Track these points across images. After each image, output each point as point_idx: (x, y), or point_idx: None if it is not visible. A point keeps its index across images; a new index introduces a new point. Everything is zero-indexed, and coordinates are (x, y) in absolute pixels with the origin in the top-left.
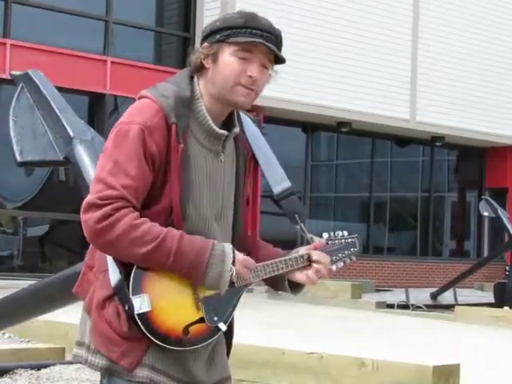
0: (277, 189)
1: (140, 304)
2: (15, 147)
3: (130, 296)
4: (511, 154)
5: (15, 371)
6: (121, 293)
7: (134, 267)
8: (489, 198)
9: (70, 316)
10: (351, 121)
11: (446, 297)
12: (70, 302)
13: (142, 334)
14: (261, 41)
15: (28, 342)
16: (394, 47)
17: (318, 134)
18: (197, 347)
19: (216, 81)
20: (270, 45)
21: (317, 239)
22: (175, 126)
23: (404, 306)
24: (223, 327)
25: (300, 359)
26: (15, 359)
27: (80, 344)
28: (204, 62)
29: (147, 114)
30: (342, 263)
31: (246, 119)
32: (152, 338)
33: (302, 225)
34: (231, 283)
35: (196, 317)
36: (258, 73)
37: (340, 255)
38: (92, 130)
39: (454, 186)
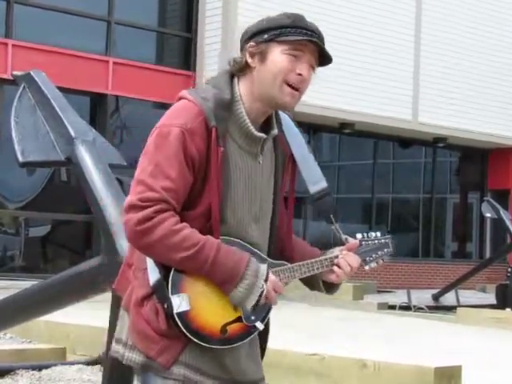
0: (313, 189)
1: (179, 303)
2: (17, 147)
3: (169, 295)
4: None
5: (16, 372)
6: (159, 292)
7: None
8: (491, 200)
9: (71, 317)
10: (354, 122)
11: (448, 298)
12: (71, 303)
13: (181, 332)
14: (312, 39)
15: (29, 342)
16: (397, 48)
17: (321, 135)
18: (234, 346)
19: (263, 79)
20: (319, 43)
21: (351, 240)
22: (215, 129)
23: (406, 308)
24: (260, 326)
25: (301, 360)
26: (17, 360)
27: (118, 340)
28: (249, 62)
29: (187, 116)
30: (374, 263)
31: (285, 119)
32: (190, 337)
33: (336, 225)
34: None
35: (234, 316)
36: (307, 71)
37: (373, 256)
38: (93, 130)
39: (456, 187)
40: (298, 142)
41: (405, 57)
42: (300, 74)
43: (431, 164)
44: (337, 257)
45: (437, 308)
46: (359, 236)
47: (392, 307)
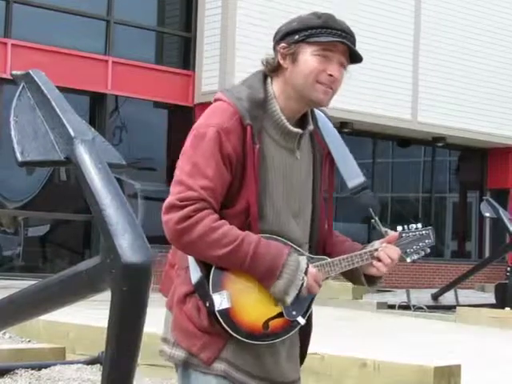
0: (351, 183)
1: (220, 301)
2: (16, 147)
3: (211, 293)
4: None
5: (16, 371)
6: (201, 289)
7: (214, 265)
8: (490, 199)
9: (70, 316)
10: (353, 121)
11: (447, 298)
12: (70, 303)
13: (223, 329)
14: (341, 40)
15: (29, 342)
16: (396, 47)
17: None
18: (277, 341)
19: (296, 80)
20: (349, 43)
21: (391, 232)
22: (250, 127)
23: (405, 307)
24: (302, 321)
25: None
26: (16, 359)
27: (164, 340)
28: (282, 62)
29: (223, 116)
30: (416, 255)
31: (320, 116)
32: (232, 333)
33: (376, 218)
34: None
35: (275, 312)
36: (338, 72)
37: (414, 247)
38: (93, 129)
39: (455, 186)
40: (334, 138)
41: (404, 56)
42: (331, 75)
43: (430, 163)
44: (376, 250)
45: (436, 307)
46: (399, 228)
47: (391, 307)
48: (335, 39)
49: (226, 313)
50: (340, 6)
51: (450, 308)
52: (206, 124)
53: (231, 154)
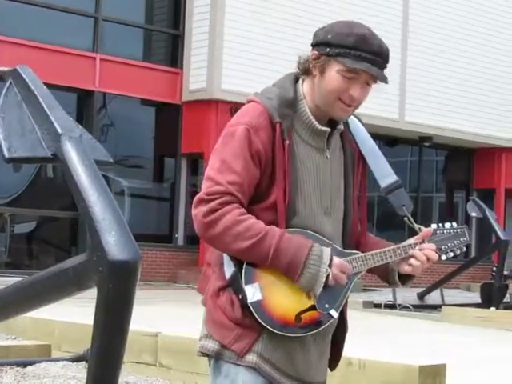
0: (384, 182)
1: (253, 293)
2: (3, 143)
3: (243, 286)
4: (499, 155)
5: (1, 368)
6: (235, 283)
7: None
8: (476, 199)
9: (56, 313)
10: None
11: (433, 297)
12: (56, 300)
13: (256, 321)
14: (365, 69)
15: (14, 339)
16: None
17: None
18: (309, 333)
19: (320, 92)
20: (373, 72)
21: (425, 229)
22: (279, 124)
23: (391, 306)
24: (335, 314)
25: None
26: (1, 356)
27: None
28: (311, 69)
29: (253, 114)
30: (451, 253)
31: (351, 118)
32: (265, 325)
33: (409, 216)
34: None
35: (307, 304)
36: (360, 93)
37: (449, 244)
38: (80, 126)
39: (441, 186)
40: (364, 139)
41: (392, 56)
42: (352, 96)
43: (417, 163)
44: (410, 245)
45: (422, 307)
46: (434, 226)
47: (377, 306)
48: (359, 67)
49: (258, 304)
50: (327, 4)
51: (435, 307)
52: (236, 122)
53: (260, 151)
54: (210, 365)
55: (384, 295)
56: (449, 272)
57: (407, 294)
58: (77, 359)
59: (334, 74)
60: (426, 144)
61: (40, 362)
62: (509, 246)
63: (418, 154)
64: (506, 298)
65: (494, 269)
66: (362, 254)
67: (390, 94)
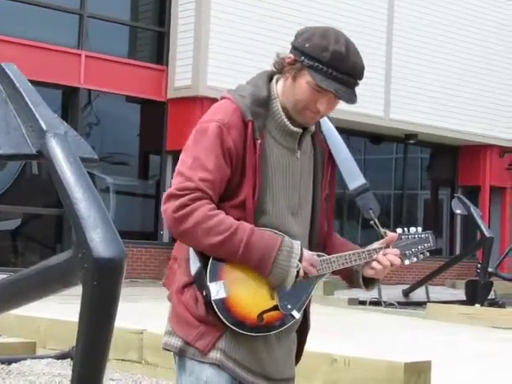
0: (352, 185)
1: (217, 290)
2: None
3: (207, 283)
4: (484, 153)
5: None
6: (199, 280)
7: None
8: (461, 196)
9: (41, 311)
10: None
11: (418, 294)
12: (41, 297)
13: (218, 319)
14: (332, 91)
15: None
16: (369, 45)
17: None
18: (271, 333)
19: (289, 96)
20: (339, 95)
21: (390, 233)
22: (251, 123)
23: (376, 303)
24: (297, 315)
25: None
26: None
27: (165, 334)
28: (286, 72)
29: (225, 112)
30: (414, 258)
31: (324, 119)
32: (227, 323)
33: (375, 220)
34: (296, 280)
35: (270, 304)
36: (326, 108)
37: (413, 250)
38: (65, 123)
39: (426, 183)
40: (335, 140)
41: (377, 53)
42: (318, 108)
43: (402, 160)
44: (375, 249)
45: (407, 304)
46: (399, 230)
47: (362, 303)
48: (327, 87)
49: (221, 302)
50: (313, 1)
51: (420, 304)
52: (208, 119)
53: (231, 149)
54: (175, 361)
55: (369, 292)
56: (434, 269)
57: (392, 291)
58: (62, 356)
59: (304, 85)
60: (411, 141)
61: (25, 359)
62: (493, 243)
63: (403, 151)
64: (491, 295)
65: (479, 266)
66: (328, 257)
67: (375, 91)
